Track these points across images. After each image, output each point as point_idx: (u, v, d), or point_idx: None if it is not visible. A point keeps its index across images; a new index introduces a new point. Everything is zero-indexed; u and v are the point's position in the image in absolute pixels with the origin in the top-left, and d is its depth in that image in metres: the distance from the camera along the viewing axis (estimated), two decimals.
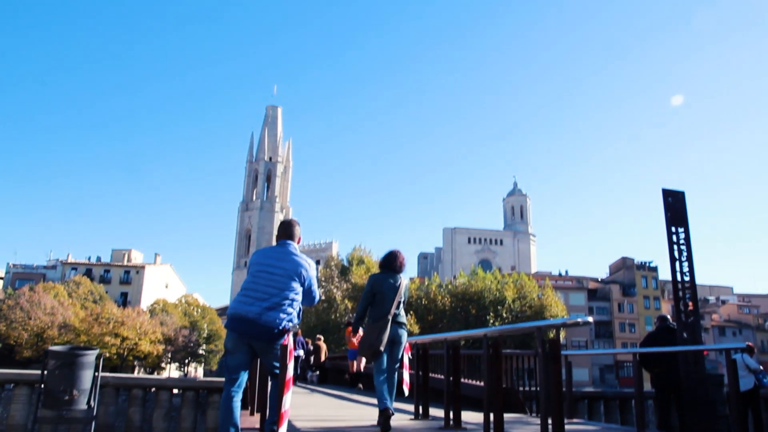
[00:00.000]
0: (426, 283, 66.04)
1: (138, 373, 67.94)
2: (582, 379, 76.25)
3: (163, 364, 71.14)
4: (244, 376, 4.78)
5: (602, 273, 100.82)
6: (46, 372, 6.35)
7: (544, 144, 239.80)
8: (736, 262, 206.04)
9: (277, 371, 4.73)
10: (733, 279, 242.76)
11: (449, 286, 62.27)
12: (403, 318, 6.52)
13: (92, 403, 6.37)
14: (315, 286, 5.03)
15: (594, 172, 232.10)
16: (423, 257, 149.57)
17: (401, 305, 6.52)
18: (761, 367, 10.52)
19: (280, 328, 4.65)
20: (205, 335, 74.00)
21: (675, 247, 8.48)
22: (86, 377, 6.33)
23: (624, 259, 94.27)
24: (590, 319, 4.46)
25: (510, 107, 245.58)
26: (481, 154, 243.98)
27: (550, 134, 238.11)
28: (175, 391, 8.91)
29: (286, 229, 5.16)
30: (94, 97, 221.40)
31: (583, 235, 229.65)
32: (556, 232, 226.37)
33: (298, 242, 5.16)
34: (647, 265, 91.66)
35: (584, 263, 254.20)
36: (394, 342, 6.45)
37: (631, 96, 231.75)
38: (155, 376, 69.91)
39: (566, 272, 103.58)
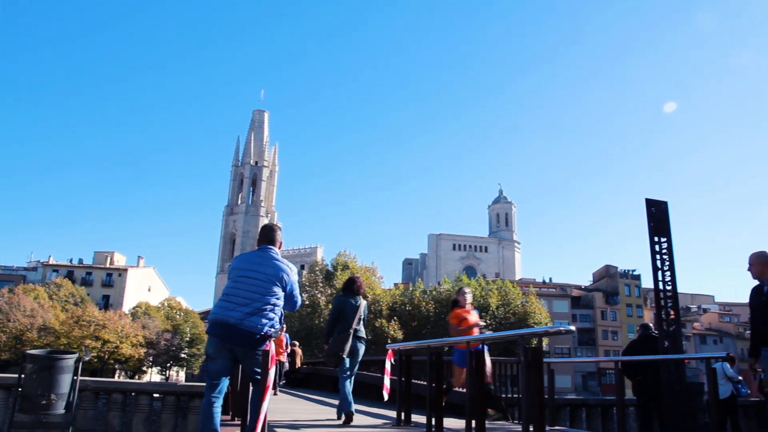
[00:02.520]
0: (410, 289, 66.10)
1: (119, 377, 67.32)
2: (564, 386, 76.49)
3: (144, 368, 70.46)
4: (225, 382, 4.73)
5: (586, 281, 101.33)
6: (23, 376, 6.25)
7: (530, 151, 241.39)
8: (718, 271, 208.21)
9: (259, 377, 4.69)
10: (715, 288, 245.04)
11: (433, 293, 62.33)
12: (362, 332, 7.95)
13: (70, 407, 6.28)
14: (297, 291, 5.00)
15: (579, 180, 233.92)
16: (408, 263, 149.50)
17: (361, 321, 7.94)
18: (740, 377, 10.62)
19: (262, 333, 4.61)
20: (187, 339, 73.33)
21: (657, 256, 8.55)
22: (65, 381, 6.24)
23: (607, 267, 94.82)
24: (572, 328, 4.50)
25: (496, 114, 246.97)
26: (467, 161, 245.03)
27: (536, 142, 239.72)
28: (156, 395, 8.81)
29: (267, 234, 5.12)
30: (79, 98, 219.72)
31: (567, 243, 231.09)
32: (541, 240, 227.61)
33: (280, 247, 5.13)
34: (630, 273, 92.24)
35: (568, 271, 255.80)
36: (353, 352, 7.84)
37: (617, 105, 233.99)
38: (136, 379, 69.30)
39: (550, 280, 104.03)
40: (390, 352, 9.45)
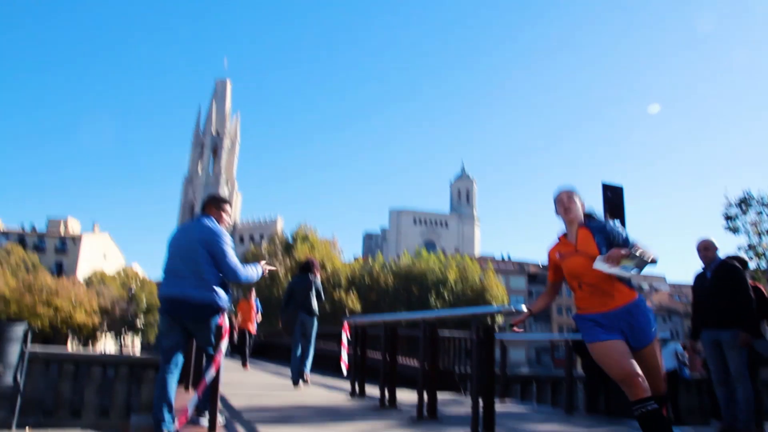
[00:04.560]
0: (370, 262, 66.47)
1: (72, 344, 66.26)
2: (519, 359, 78.41)
3: (98, 334, 69.34)
4: (179, 357, 4.71)
5: (543, 258, 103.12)
6: None
7: (492, 129, 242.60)
8: (669, 252, 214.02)
9: (210, 349, 4.69)
10: (667, 268, 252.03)
11: (393, 266, 62.82)
12: (313, 307, 8.89)
13: (19, 377, 6.17)
14: (231, 258, 4.71)
15: (539, 160, 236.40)
16: (368, 237, 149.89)
17: (312, 297, 8.90)
18: (686, 361, 11.18)
19: (205, 304, 4.56)
20: (144, 308, 72.25)
21: None
22: (12, 351, 6.12)
23: None
24: (523, 307, 4.58)
25: (460, 91, 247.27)
26: (430, 137, 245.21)
27: (498, 119, 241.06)
28: (109, 366, 8.72)
29: (203, 205, 5.01)
30: (34, 62, 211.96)
31: (526, 221, 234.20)
32: (501, 217, 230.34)
33: (221, 215, 4.93)
34: None
35: (526, 248, 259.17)
36: (305, 325, 8.81)
37: (577, 90, 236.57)
38: (90, 347, 68.31)
39: (508, 256, 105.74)
40: (345, 324, 9.56)
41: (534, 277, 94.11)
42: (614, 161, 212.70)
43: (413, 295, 57.45)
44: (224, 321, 4.66)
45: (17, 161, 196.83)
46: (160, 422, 4.41)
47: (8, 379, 6.10)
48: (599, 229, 3.59)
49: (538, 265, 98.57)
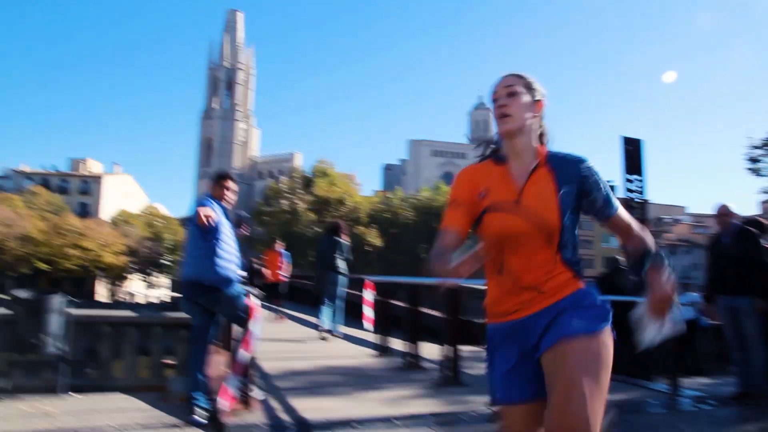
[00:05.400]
0: (390, 196, 66.68)
1: (101, 285, 67.81)
2: None
3: (127, 275, 70.86)
4: (206, 334, 4.89)
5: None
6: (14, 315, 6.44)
7: (511, 58, 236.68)
8: (692, 182, 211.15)
9: (234, 319, 4.92)
10: (689, 199, 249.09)
11: (412, 200, 62.98)
12: (341, 267, 9.53)
13: (62, 345, 6.50)
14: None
15: (558, 88, 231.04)
16: (387, 168, 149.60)
17: (338, 257, 9.52)
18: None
19: (197, 280, 4.72)
20: (169, 246, 73.15)
21: (630, 194, 8.77)
22: (54, 320, 6.44)
23: None
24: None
25: (480, 20, 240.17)
26: (448, 66, 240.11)
27: (518, 49, 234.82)
28: (143, 327, 9.02)
29: None
30: (49, 4, 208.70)
31: None
32: None
33: (216, 193, 4.95)
34: None
35: None
36: (334, 283, 9.51)
37: (599, 21, 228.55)
38: (119, 288, 69.90)
39: None
40: (368, 283, 9.87)
41: None
42: (635, 98, 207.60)
43: (434, 230, 57.65)
44: (252, 301, 4.82)
45: (33, 103, 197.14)
46: (191, 399, 4.67)
47: (52, 348, 6.42)
48: (567, 163, 2.03)
49: None
